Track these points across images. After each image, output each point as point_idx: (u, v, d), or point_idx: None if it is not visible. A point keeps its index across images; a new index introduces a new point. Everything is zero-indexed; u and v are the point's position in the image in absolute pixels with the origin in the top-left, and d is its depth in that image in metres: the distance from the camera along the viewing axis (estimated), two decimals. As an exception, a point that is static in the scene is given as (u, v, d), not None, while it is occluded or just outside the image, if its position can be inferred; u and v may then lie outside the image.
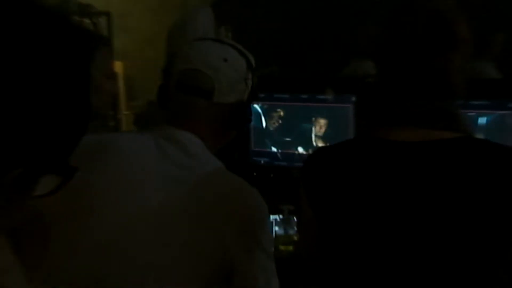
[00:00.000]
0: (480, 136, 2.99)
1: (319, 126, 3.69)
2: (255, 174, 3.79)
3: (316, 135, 3.72)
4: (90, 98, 0.85)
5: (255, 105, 3.86)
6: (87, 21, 6.08)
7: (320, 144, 3.73)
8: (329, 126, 3.71)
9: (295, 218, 3.40)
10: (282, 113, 3.82)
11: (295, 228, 3.33)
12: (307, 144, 3.76)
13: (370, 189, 1.66)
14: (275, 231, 3.39)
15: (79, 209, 1.69)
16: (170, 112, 2.02)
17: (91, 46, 0.83)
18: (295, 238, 3.22)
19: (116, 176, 1.79)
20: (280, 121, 3.81)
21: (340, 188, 1.69)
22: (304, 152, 3.77)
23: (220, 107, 2.00)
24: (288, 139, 3.80)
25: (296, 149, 3.81)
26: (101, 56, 2.95)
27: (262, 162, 3.85)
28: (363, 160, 1.68)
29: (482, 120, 3.07)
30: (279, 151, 3.84)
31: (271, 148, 3.87)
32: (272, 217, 3.41)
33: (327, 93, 3.58)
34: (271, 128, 3.84)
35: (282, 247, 3.20)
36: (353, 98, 3.58)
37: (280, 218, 3.45)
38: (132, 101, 7.12)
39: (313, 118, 3.73)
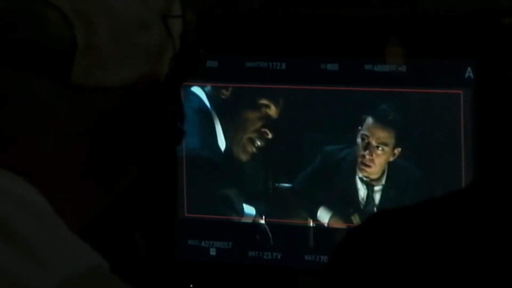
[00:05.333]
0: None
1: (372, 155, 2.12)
2: (191, 286, 2.40)
3: (365, 179, 2.12)
4: None
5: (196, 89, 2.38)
6: None
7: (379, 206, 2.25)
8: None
9: None
10: (273, 111, 2.23)
11: None
12: (348, 201, 2.18)
13: None
14: None
15: None
16: None
17: None
18: None
19: None
20: (270, 137, 2.23)
21: None
22: (350, 224, 2.28)
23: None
24: (287, 185, 2.22)
25: (315, 216, 2.19)
26: None
27: (213, 253, 2.41)
28: None
29: None
30: (265, 219, 2.26)
31: (241, 213, 2.32)
32: None
33: None
34: (243, 158, 2.30)
35: None
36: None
37: None
38: None
39: (363, 122, 2.17)
